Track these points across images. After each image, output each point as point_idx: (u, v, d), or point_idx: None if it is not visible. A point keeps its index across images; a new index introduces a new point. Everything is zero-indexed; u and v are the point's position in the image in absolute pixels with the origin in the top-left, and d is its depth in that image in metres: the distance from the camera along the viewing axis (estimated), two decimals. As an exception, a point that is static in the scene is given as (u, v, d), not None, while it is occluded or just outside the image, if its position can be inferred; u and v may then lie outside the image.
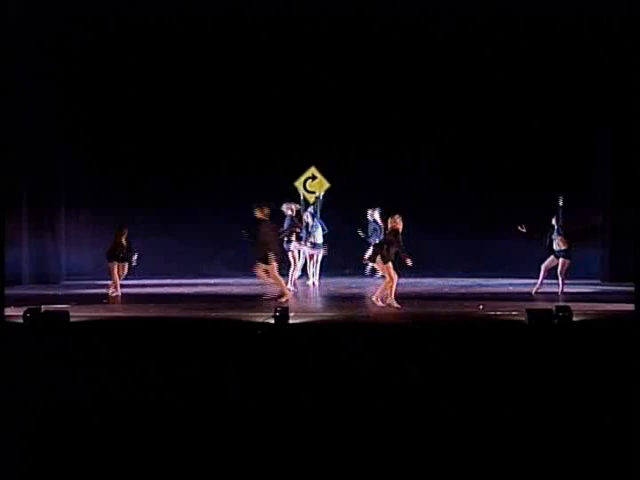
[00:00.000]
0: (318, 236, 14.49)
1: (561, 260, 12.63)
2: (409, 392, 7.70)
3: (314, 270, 14.68)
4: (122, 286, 13.05)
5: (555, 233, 12.66)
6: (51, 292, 13.23)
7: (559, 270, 12.67)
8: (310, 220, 14.34)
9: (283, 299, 11.62)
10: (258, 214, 11.87)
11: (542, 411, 7.44)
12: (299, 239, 13.86)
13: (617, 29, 13.53)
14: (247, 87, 15.63)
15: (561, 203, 12.71)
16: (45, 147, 15.04)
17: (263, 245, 11.73)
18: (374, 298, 11.39)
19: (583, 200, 15.61)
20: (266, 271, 11.78)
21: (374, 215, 14.37)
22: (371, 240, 13.63)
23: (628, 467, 6.72)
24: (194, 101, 15.76)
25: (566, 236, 12.62)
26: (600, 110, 15.05)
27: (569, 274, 12.85)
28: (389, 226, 11.43)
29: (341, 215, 14.95)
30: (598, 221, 15.51)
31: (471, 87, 15.63)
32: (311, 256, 14.59)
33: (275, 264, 11.72)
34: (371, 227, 14.22)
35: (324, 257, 14.66)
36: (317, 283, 14.68)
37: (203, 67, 15.52)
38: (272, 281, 11.91)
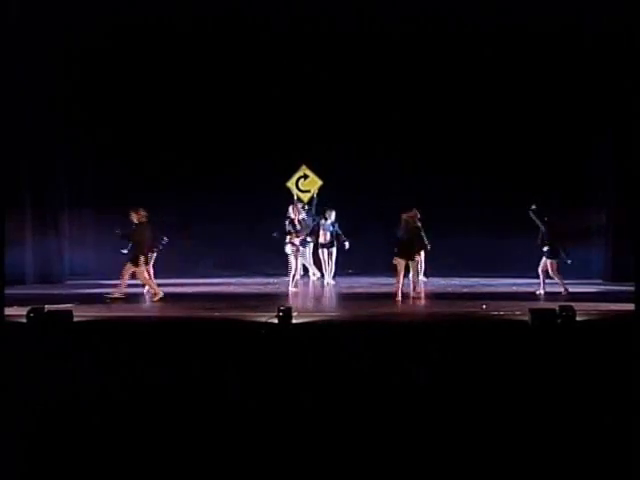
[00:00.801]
0: (327, 236, 14.59)
1: (548, 261, 12.68)
2: (412, 392, 7.71)
3: (329, 268, 14.81)
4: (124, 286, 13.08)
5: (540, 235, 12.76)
6: (54, 292, 13.21)
7: (549, 271, 12.72)
8: (329, 219, 14.57)
9: (156, 298, 12.11)
10: (134, 218, 12.17)
11: (545, 411, 7.44)
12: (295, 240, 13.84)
13: (618, 29, 13.54)
14: (247, 87, 15.63)
15: (534, 207, 12.80)
16: (45, 147, 15.03)
17: (135, 247, 12.13)
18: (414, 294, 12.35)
19: (584, 200, 15.67)
20: (134, 273, 12.17)
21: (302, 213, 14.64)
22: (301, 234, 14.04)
23: (628, 467, 6.72)
24: (195, 102, 15.76)
25: (550, 236, 12.66)
26: (600, 110, 15.06)
27: (563, 273, 12.87)
28: (410, 222, 12.27)
29: (342, 215, 14.93)
30: (601, 220, 15.53)
31: (471, 87, 15.63)
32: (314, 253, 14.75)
33: (143, 266, 12.18)
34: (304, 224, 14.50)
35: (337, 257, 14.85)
36: (332, 282, 14.75)
37: (204, 68, 15.53)
38: (145, 282, 12.40)
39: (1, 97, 12.58)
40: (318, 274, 15.09)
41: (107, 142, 15.73)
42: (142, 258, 12.15)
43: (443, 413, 7.43)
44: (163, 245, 13.43)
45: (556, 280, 12.73)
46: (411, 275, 12.52)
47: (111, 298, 12.01)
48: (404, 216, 12.40)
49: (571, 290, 12.74)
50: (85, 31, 14.52)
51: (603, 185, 15.48)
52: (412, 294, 12.49)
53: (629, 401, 7.50)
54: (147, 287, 12.56)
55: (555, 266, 12.66)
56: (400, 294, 12.23)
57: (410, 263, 12.36)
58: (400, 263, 12.25)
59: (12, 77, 13.55)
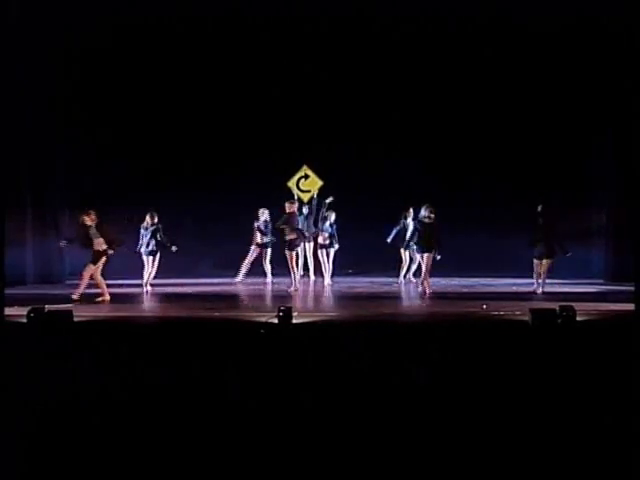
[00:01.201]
0: (325, 236, 14.60)
1: (534, 260, 12.80)
2: (412, 392, 7.70)
3: (327, 268, 14.84)
4: (124, 286, 13.07)
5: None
6: (54, 292, 13.20)
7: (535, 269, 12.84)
8: (328, 220, 14.65)
9: (75, 297, 11.91)
10: (87, 221, 12.15)
11: (545, 411, 7.43)
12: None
13: (618, 29, 13.53)
14: (247, 87, 15.62)
15: (540, 208, 12.86)
16: (45, 147, 15.02)
17: (107, 246, 12.13)
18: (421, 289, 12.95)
19: (584, 200, 15.65)
20: (89, 268, 12.08)
21: (264, 215, 14.73)
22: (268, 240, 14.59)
23: (628, 467, 6.71)
24: (195, 102, 15.75)
25: (537, 237, 12.70)
26: (600, 110, 15.05)
27: (564, 273, 12.87)
28: (430, 218, 12.60)
29: (343, 216, 14.92)
30: (601, 220, 15.53)
31: (472, 87, 15.63)
32: (314, 253, 14.80)
33: (99, 265, 12.11)
34: (263, 226, 14.80)
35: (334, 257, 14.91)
36: (330, 282, 14.75)
37: (204, 68, 15.51)
38: (83, 282, 12.18)
39: (1, 97, 12.56)
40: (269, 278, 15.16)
41: (107, 142, 15.69)
42: (104, 259, 12.09)
43: (443, 413, 7.41)
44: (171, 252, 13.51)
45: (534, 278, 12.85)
46: (423, 272, 12.93)
47: (100, 300, 11.94)
48: (432, 216, 12.69)
49: (571, 290, 12.76)
50: (85, 31, 14.49)
51: (603, 185, 15.47)
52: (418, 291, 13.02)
53: (629, 401, 7.49)
54: (80, 288, 12.14)
55: (538, 266, 12.77)
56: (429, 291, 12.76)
57: (427, 258, 12.69)
58: (429, 257, 12.67)
59: (12, 77, 13.53)
